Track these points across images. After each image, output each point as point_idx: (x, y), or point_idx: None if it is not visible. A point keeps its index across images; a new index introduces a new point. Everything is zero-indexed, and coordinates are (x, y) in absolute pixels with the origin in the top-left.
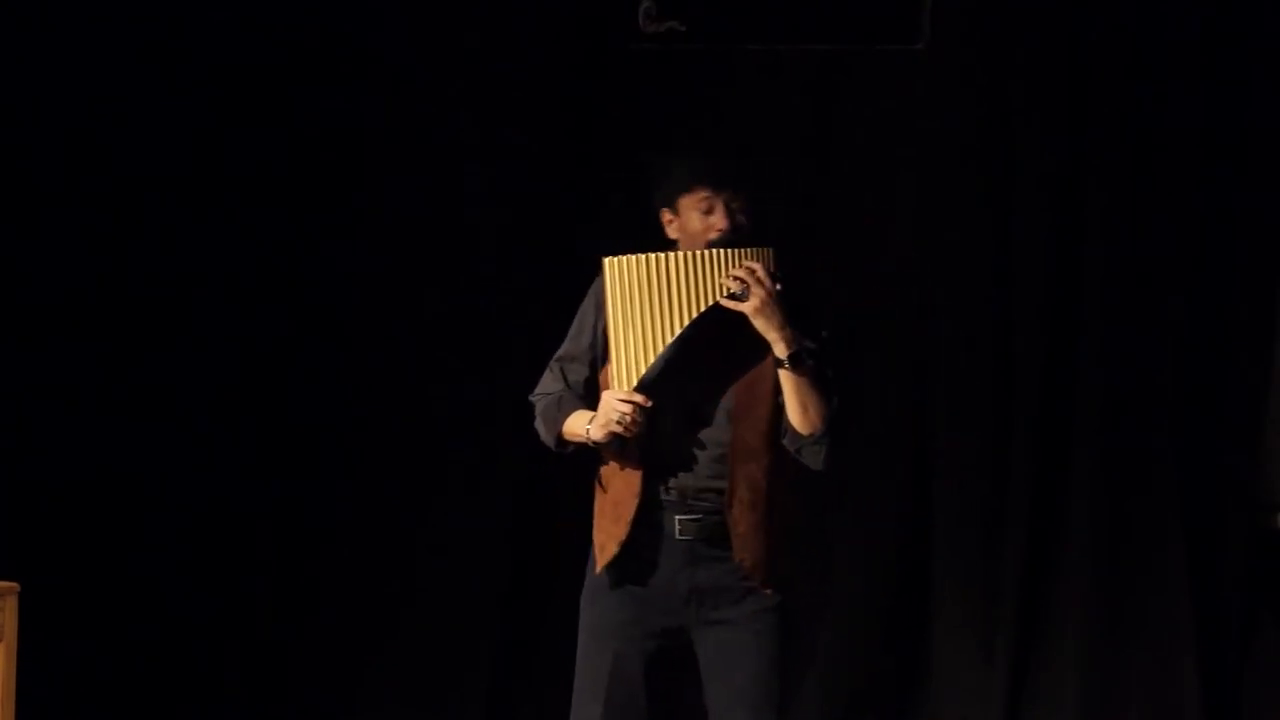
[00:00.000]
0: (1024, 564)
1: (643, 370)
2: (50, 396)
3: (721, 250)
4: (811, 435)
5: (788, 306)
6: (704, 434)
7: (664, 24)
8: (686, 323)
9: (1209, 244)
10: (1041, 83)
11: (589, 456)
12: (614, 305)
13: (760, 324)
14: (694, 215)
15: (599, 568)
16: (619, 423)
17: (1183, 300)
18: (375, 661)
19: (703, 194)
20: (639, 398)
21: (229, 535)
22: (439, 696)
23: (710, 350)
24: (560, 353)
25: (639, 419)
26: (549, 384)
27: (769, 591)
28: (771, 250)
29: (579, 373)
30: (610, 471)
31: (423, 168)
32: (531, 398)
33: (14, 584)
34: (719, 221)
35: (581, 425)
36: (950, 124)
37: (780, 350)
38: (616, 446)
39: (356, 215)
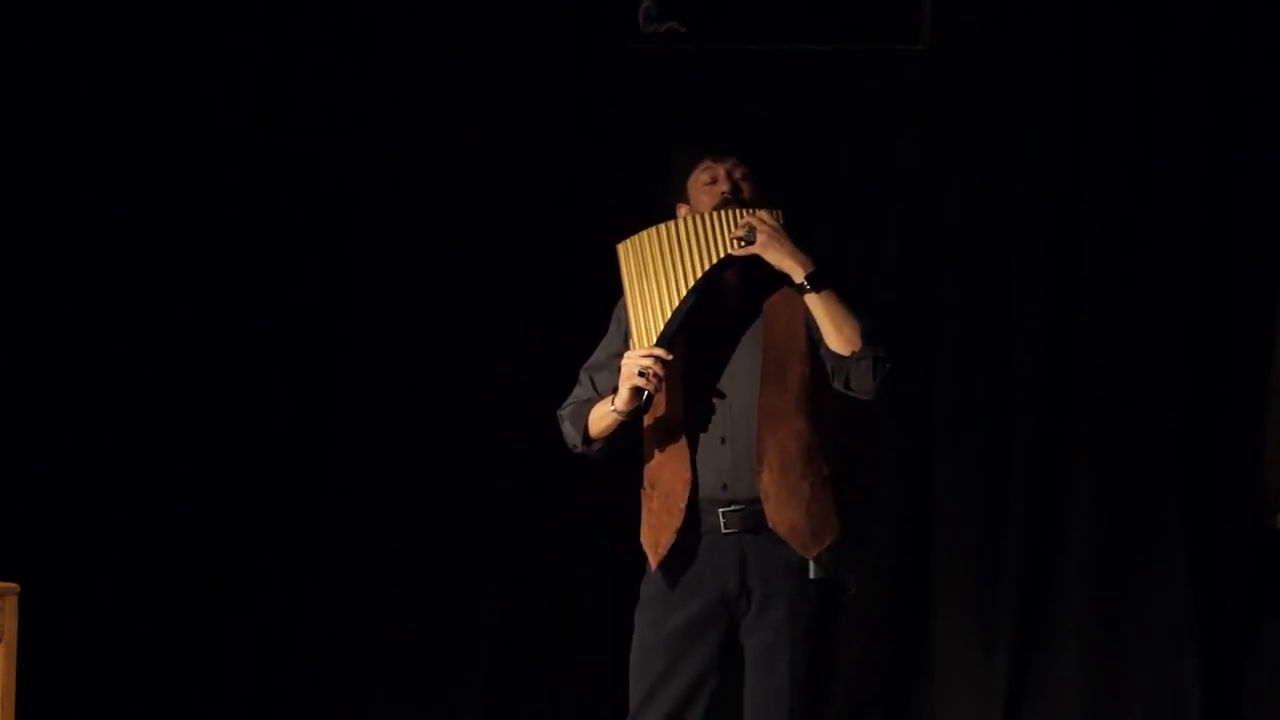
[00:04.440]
0: (1024, 564)
1: (659, 326)
2: (50, 397)
3: (729, 210)
4: (853, 354)
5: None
6: (736, 406)
7: (664, 24)
8: (698, 276)
9: (1209, 243)
10: (1042, 83)
11: (599, 469)
12: (629, 281)
13: (773, 256)
14: (700, 190)
15: (654, 564)
16: (640, 374)
17: (1183, 299)
18: (375, 661)
19: (705, 166)
20: (659, 350)
21: (229, 535)
22: (438, 696)
23: (733, 326)
24: (589, 363)
25: (660, 372)
26: (578, 394)
27: (813, 559)
28: (780, 211)
29: (608, 381)
30: (657, 467)
31: (423, 168)
32: (560, 411)
33: (14, 584)
34: (721, 186)
35: (606, 406)
36: (950, 124)
37: (798, 274)
38: (644, 407)
39: (357, 214)
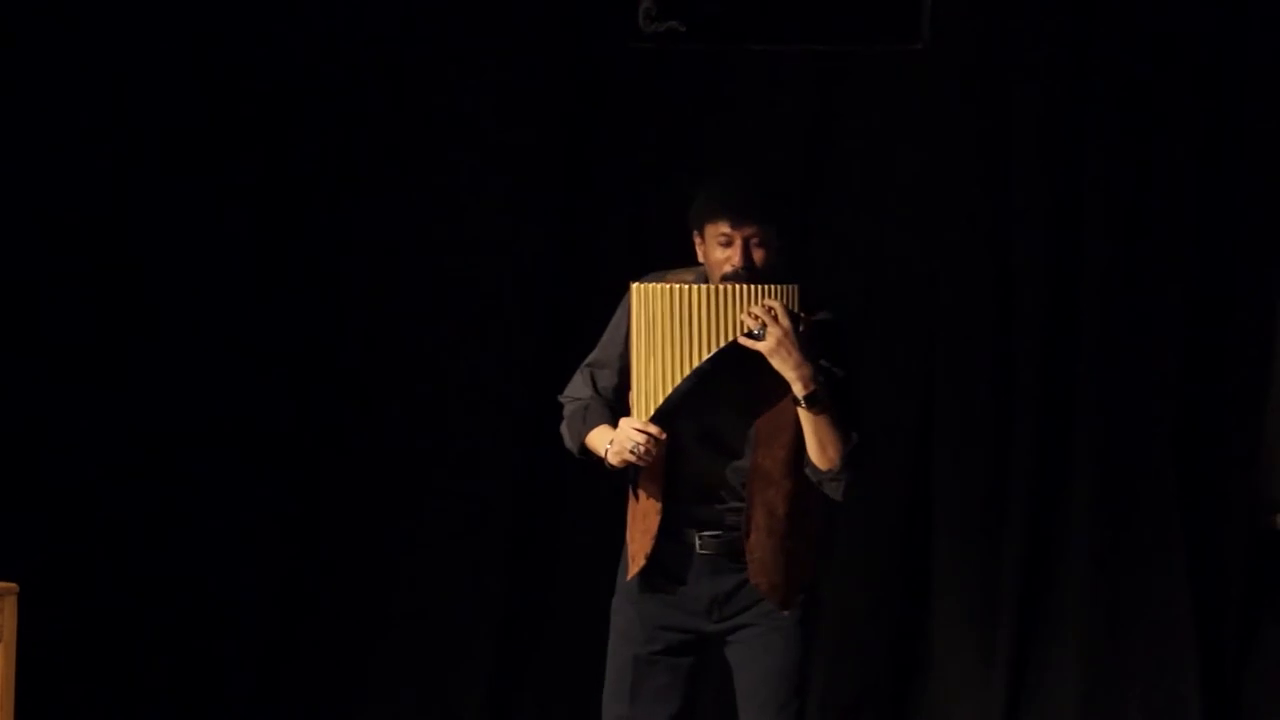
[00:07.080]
0: (1024, 564)
1: (659, 401)
2: (50, 397)
3: (747, 286)
4: (830, 471)
5: (808, 343)
6: (726, 459)
7: (664, 24)
8: (705, 357)
9: (1209, 243)
10: (1041, 82)
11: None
12: (637, 332)
13: (777, 363)
14: (715, 246)
15: (630, 575)
16: (633, 452)
17: (1183, 300)
18: (375, 660)
19: (723, 227)
20: (654, 429)
21: (228, 534)
22: (440, 695)
23: (732, 381)
24: (590, 359)
25: (653, 449)
26: (579, 388)
27: (785, 613)
28: (796, 288)
29: (608, 380)
30: (642, 481)
31: (423, 168)
32: (560, 398)
33: (13, 584)
34: (735, 257)
35: (602, 444)
36: (950, 124)
37: (798, 390)
38: (634, 469)
39: (357, 215)
